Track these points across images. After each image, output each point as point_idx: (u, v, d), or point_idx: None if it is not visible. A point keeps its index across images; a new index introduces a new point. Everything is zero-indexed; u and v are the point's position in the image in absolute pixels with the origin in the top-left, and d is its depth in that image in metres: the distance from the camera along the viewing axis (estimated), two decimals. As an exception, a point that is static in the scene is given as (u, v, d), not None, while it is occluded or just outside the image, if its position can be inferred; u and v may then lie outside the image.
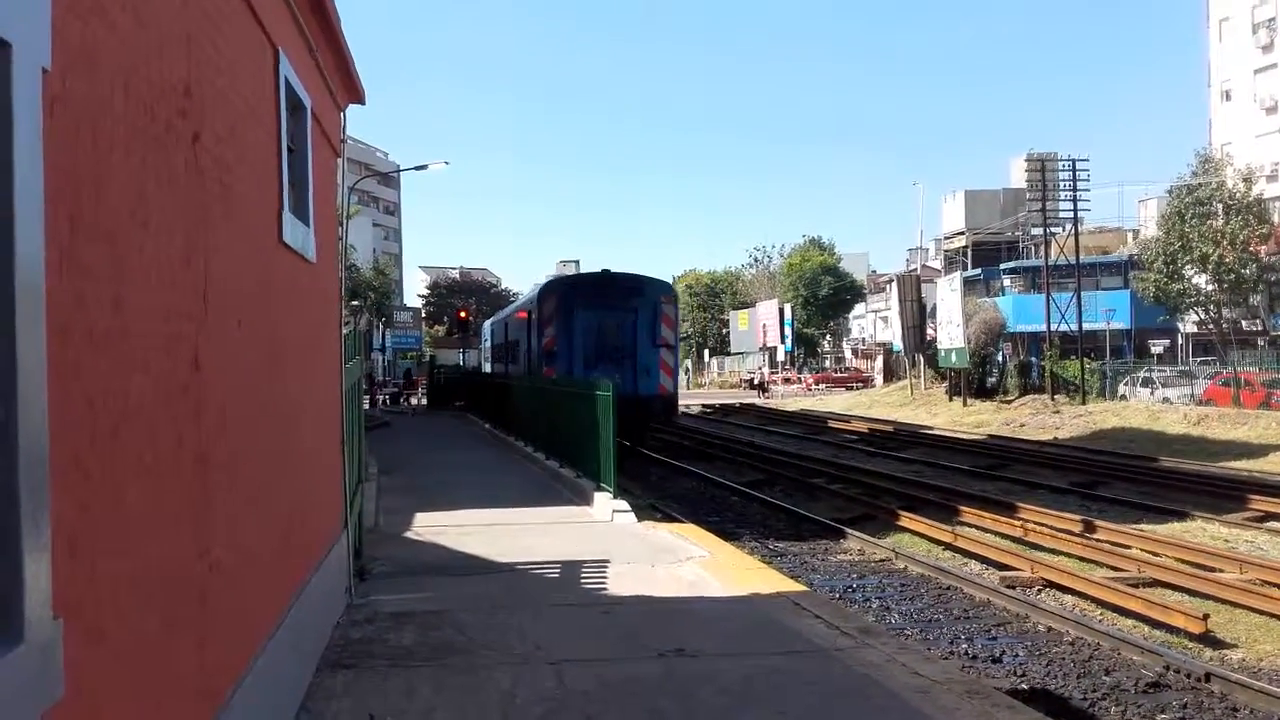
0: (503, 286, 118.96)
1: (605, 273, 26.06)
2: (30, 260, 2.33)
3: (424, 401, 49.20)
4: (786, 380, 76.30)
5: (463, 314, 58.80)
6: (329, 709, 5.78)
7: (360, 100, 9.21)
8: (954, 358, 46.55)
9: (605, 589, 8.98)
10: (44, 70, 2.42)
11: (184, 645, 3.75)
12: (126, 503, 3.12)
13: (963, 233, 70.57)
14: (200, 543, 3.99)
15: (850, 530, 15.80)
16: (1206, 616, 10.35)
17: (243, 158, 4.99)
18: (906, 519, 16.43)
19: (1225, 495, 18.61)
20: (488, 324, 41.40)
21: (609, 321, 24.39)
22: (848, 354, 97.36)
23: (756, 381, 72.94)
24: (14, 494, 2.25)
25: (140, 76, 3.38)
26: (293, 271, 6.34)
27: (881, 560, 14.25)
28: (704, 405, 56.24)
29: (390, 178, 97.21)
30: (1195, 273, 48.60)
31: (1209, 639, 10.13)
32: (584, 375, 21.99)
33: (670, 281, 30.94)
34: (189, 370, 3.86)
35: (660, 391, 24.89)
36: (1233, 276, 47.64)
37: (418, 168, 48.48)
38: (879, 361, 75.27)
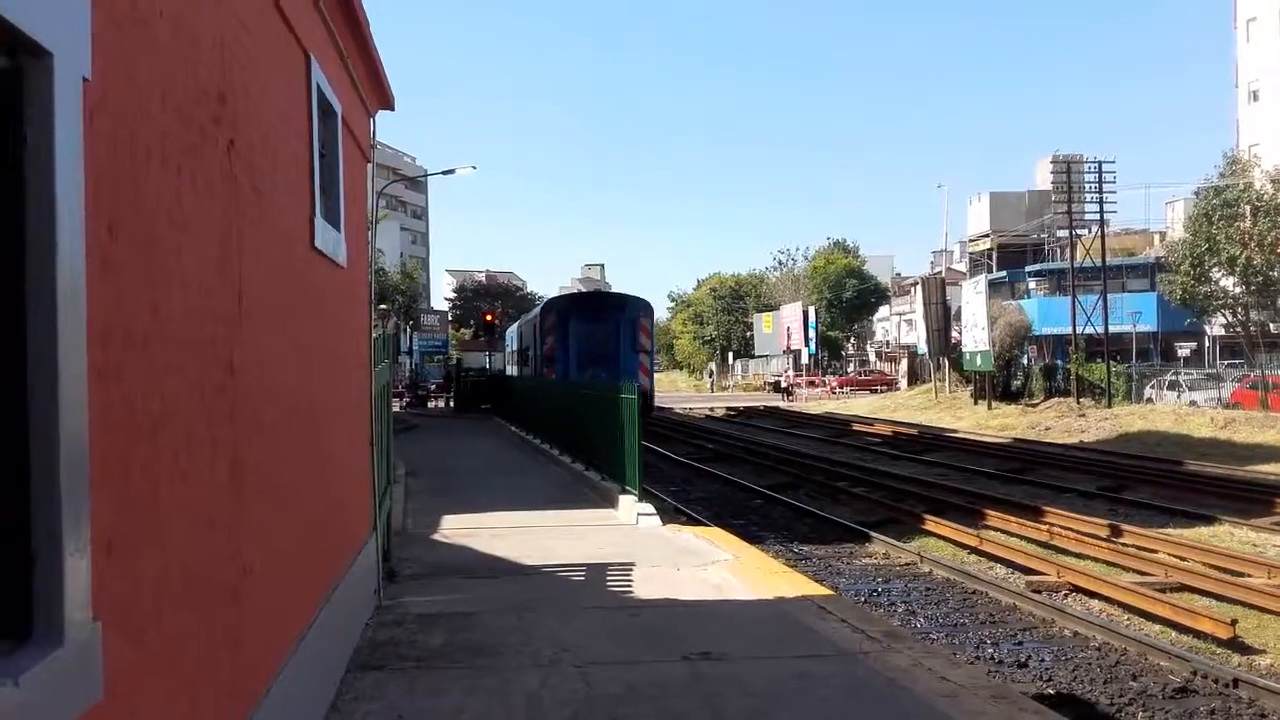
0: (528, 289, 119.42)
1: (596, 292, 33.88)
2: (72, 265, 2.38)
3: (451, 404, 49.47)
4: (810, 383, 76.13)
5: (489, 317, 59.04)
6: (358, 709, 5.83)
7: (390, 106, 9.28)
8: (979, 361, 46.32)
9: (631, 592, 9.01)
10: (84, 79, 2.47)
11: (219, 646, 3.80)
12: (162, 504, 3.17)
13: (988, 235, 70.20)
14: (234, 544, 4.04)
15: (875, 534, 15.76)
16: (1234, 622, 10.26)
17: (275, 164, 5.04)
18: (931, 523, 16.37)
19: (1253, 499, 18.44)
20: (510, 329, 42.90)
21: (598, 332, 29.30)
22: (872, 357, 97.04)
23: (781, 385, 72.88)
24: (55, 495, 2.29)
25: (176, 84, 3.43)
26: (324, 276, 6.41)
27: (906, 564, 14.21)
28: (728, 408, 56.20)
29: (418, 182, 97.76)
30: (1222, 275, 48.13)
31: (1237, 644, 10.05)
32: (577, 375, 26.68)
33: (649, 299, 35.94)
34: (224, 373, 3.92)
35: (640, 389, 28.66)
36: (1260, 279, 47.14)
37: (445, 172, 48.86)
38: (903, 364, 75.03)
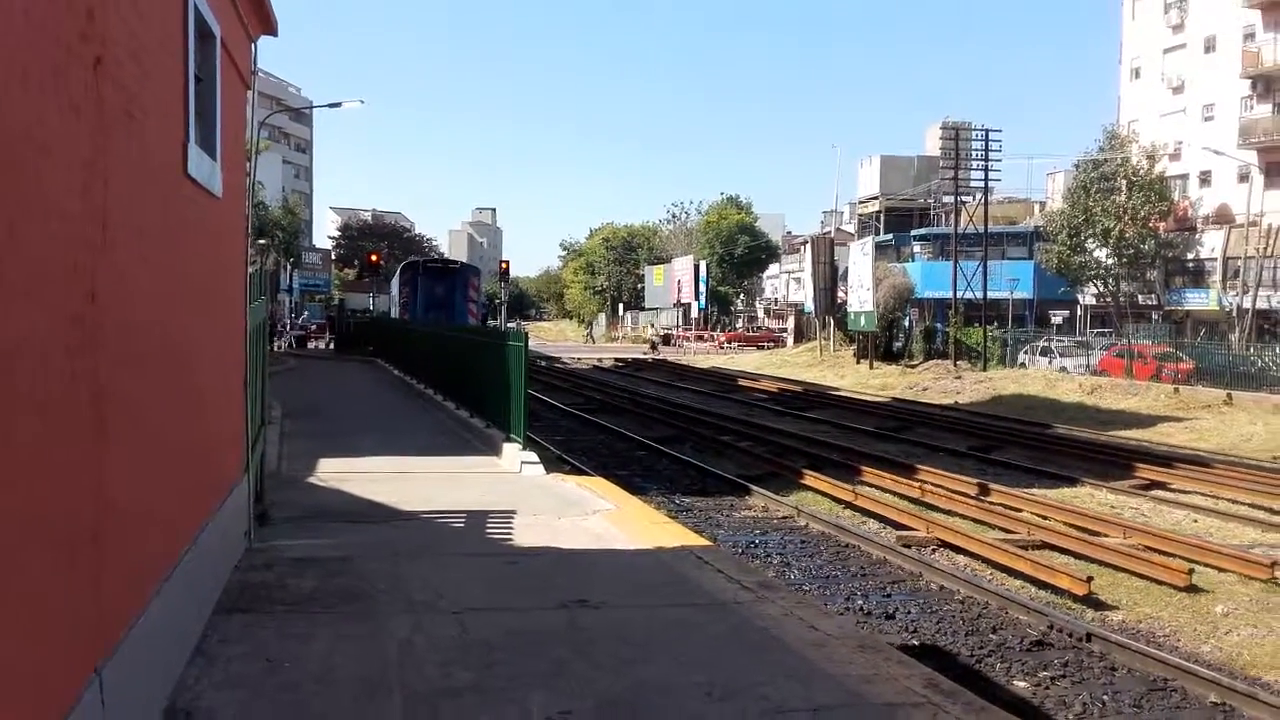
0: (416, 231, 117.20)
1: (440, 258, 51.02)
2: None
3: (332, 346, 48.52)
4: (699, 338, 76.79)
5: (374, 257, 57.86)
6: (224, 652, 5.69)
7: (272, 31, 8.91)
8: (863, 321, 47.34)
9: (511, 540, 8.98)
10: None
11: (78, 584, 3.65)
12: (16, 437, 3.01)
13: (877, 197, 71.48)
14: (95, 481, 3.87)
15: (755, 487, 16.01)
16: (1090, 579, 10.75)
17: (147, 86, 4.80)
18: (810, 478, 16.70)
19: (1114, 463, 19.30)
20: (396, 274, 45.88)
21: (438, 287, 39.82)
22: (760, 313, 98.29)
23: (654, 343, 73.84)
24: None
25: (40, -3, 3.22)
26: (197, 205, 6.15)
27: (784, 517, 14.49)
28: (616, 359, 56.35)
29: (303, 114, 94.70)
30: (1096, 246, 50.07)
31: (1092, 601, 10.53)
32: (424, 317, 36.35)
33: (478, 265, 51.91)
34: (84, 302, 3.73)
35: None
36: (1132, 251, 49.21)
37: (332, 105, 47.58)
38: (790, 322, 76.24)
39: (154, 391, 5.02)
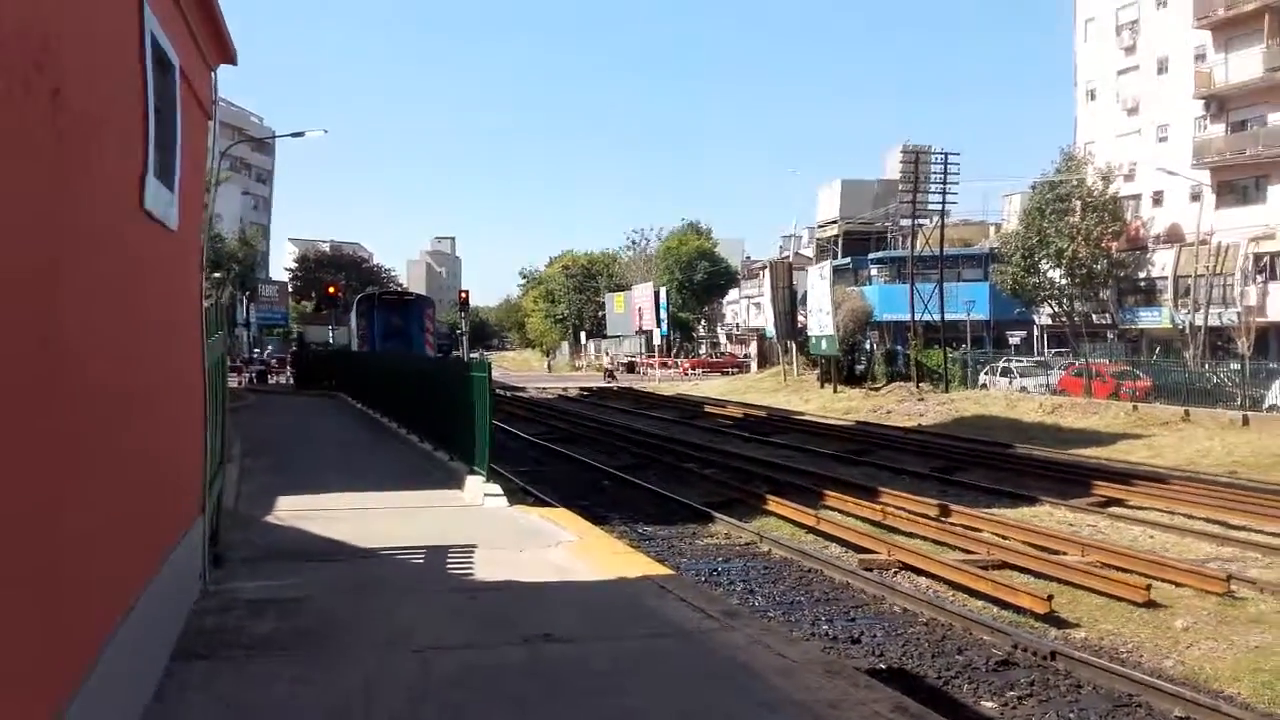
0: (374, 262, 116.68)
1: (395, 290, 52.73)
2: None
3: (290, 380, 48.06)
4: (663, 364, 76.90)
5: (331, 289, 57.55)
6: (183, 699, 5.59)
7: (231, 60, 8.84)
8: (824, 345, 47.60)
9: (472, 574, 8.90)
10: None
11: (30, 630, 3.56)
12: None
13: (836, 221, 72.04)
14: (44, 526, 3.79)
15: (718, 514, 16.03)
16: (1050, 598, 10.84)
17: (105, 118, 4.74)
18: (773, 503, 16.74)
19: (1073, 481, 19.50)
20: (354, 306, 46.60)
21: (395, 318, 41.29)
22: (722, 339, 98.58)
23: (609, 368, 73.99)
24: None
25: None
26: (153, 240, 6.07)
27: (747, 544, 14.50)
28: (581, 388, 56.28)
29: (265, 144, 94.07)
30: (1050, 267, 50.71)
31: (1053, 619, 10.62)
32: (382, 347, 38.76)
33: (438, 295, 59.91)
34: (35, 345, 3.66)
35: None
36: (1084, 271, 49.88)
37: (294, 134, 47.43)
38: (753, 347, 76.55)
39: (108, 433, 4.93)
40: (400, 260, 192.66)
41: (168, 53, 6.24)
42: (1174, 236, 49.58)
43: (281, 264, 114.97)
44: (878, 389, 45.34)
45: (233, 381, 33.64)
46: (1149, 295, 51.28)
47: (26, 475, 3.58)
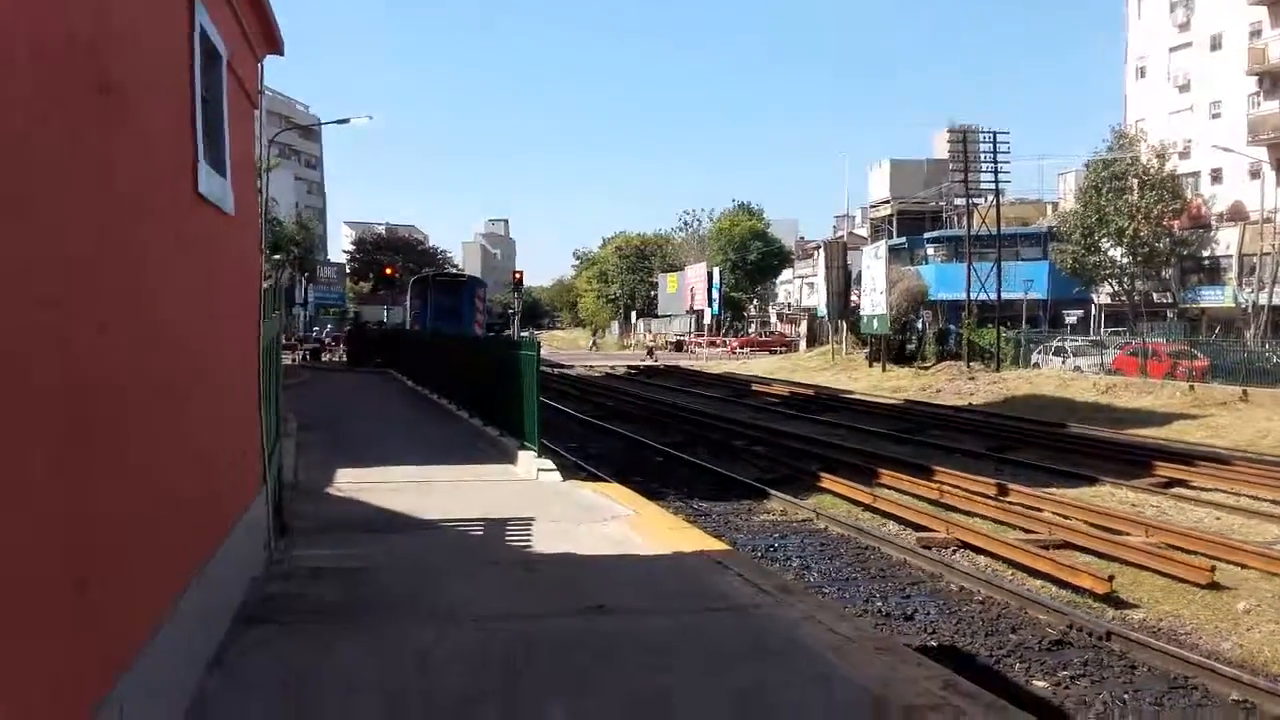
0: (430, 243, 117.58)
1: (447, 272, 56.29)
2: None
3: (343, 358, 48.74)
4: (711, 343, 76.76)
5: (389, 270, 58.27)
6: (244, 663, 5.71)
7: (279, 50, 8.94)
8: (875, 324, 47.25)
9: (530, 547, 8.99)
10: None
11: (99, 593, 3.67)
12: (31, 465, 3.04)
13: (888, 201, 71.38)
14: (116, 496, 3.90)
15: (773, 491, 15.99)
16: (1111, 578, 10.70)
17: (156, 107, 4.84)
18: (828, 481, 16.67)
19: (1132, 461, 19.18)
20: (409, 287, 48.23)
21: (446, 299, 42.55)
22: (773, 318, 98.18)
23: (649, 345, 74.75)
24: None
25: (47, 28, 3.25)
26: (209, 224, 6.19)
27: (803, 520, 14.47)
28: (629, 366, 56.37)
29: (312, 131, 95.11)
30: (1111, 245, 49.86)
31: (1113, 599, 10.47)
32: (433, 327, 38.26)
33: (482, 277, 58.65)
34: (95, 333, 3.75)
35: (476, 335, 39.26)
36: (1146, 250, 48.99)
37: (340, 121, 47.94)
38: (803, 326, 76.16)
39: (172, 409, 5.05)
40: (455, 242, 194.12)
41: (216, 44, 6.34)
42: (1237, 214, 48.53)
43: (339, 246, 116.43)
44: (927, 368, 44.92)
45: (286, 359, 34.12)
46: (1213, 274, 50.29)
47: (94, 454, 3.68)
